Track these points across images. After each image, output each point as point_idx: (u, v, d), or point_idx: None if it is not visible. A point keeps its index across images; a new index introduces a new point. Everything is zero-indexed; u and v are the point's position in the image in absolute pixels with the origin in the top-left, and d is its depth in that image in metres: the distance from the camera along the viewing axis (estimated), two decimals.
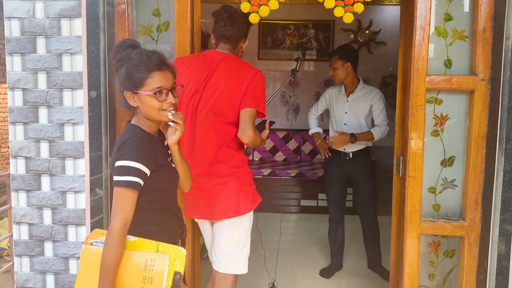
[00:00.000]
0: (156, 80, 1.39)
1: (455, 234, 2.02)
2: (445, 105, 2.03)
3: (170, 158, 1.54)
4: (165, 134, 1.54)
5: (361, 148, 3.09)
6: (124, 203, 1.34)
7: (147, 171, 1.38)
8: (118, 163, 1.36)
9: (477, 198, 1.98)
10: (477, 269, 1.98)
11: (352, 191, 3.33)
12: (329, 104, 3.20)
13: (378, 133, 3.01)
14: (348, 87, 3.11)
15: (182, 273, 1.37)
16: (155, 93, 1.38)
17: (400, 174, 2.11)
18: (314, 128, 3.28)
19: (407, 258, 2.01)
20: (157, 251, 1.36)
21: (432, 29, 1.99)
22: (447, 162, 2.06)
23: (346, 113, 3.10)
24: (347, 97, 3.10)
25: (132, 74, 1.39)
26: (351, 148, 3.08)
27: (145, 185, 1.38)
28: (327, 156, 3.18)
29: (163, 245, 1.38)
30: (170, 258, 1.35)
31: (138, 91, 1.40)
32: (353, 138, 2.98)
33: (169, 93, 1.41)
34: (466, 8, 1.99)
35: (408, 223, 2.00)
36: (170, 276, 1.34)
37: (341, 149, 3.10)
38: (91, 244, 1.40)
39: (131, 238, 1.37)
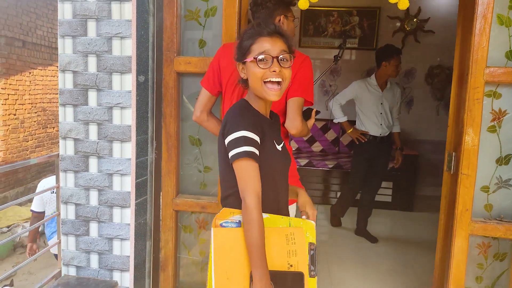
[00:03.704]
0: (261, 45, 1.30)
1: (508, 237, 1.92)
2: (503, 100, 1.91)
3: (281, 145, 1.45)
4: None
5: (388, 133, 3.66)
6: (248, 175, 1.26)
7: (257, 138, 1.29)
8: (230, 137, 1.29)
9: None
10: None
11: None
12: (359, 96, 3.61)
13: (399, 128, 3.76)
14: (382, 83, 3.57)
15: (315, 243, 1.38)
16: (255, 58, 1.30)
17: (452, 171, 2.01)
18: (343, 117, 3.69)
19: (455, 258, 1.93)
20: (289, 226, 1.37)
21: (494, 17, 1.86)
22: (503, 160, 1.94)
23: (382, 104, 3.57)
24: (382, 91, 3.57)
25: (242, 43, 1.35)
26: (385, 133, 3.63)
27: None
28: (363, 141, 3.63)
29: (293, 219, 1.38)
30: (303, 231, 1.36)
31: (245, 60, 1.35)
32: (402, 149, 3.80)
33: (275, 60, 1.30)
34: None
35: (458, 222, 1.91)
36: (306, 248, 1.36)
37: (377, 134, 3.61)
38: (221, 225, 1.35)
39: (264, 215, 1.33)
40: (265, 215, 1.33)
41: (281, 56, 1.31)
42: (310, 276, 1.36)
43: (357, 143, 3.69)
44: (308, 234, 1.37)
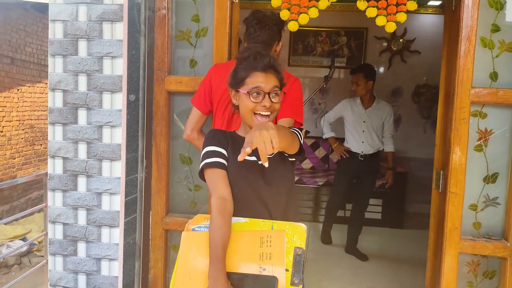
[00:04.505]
0: (255, 80, 1.38)
1: (497, 255, 1.93)
2: (489, 119, 1.95)
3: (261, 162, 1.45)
4: None
5: (374, 151, 3.67)
6: (212, 181, 1.39)
7: (222, 150, 1.42)
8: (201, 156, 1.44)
9: None
10: None
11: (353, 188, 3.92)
12: (344, 114, 3.74)
13: (392, 148, 3.72)
14: (366, 101, 3.65)
15: (304, 248, 1.31)
16: (248, 92, 1.38)
17: (440, 189, 2.03)
18: (330, 133, 3.85)
19: (445, 276, 1.93)
20: (271, 229, 1.33)
21: (477, 40, 1.92)
22: (490, 178, 1.97)
23: (364, 122, 3.65)
24: (365, 109, 3.64)
25: (237, 72, 1.42)
26: (368, 151, 3.65)
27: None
28: (344, 157, 3.73)
29: (277, 223, 1.36)
30: (288, 235, 1.31)
31: (239, 90, 1.41)
32: (393, 170, 3.81)
33: (266, 96, 1.38)
34: None
35: (447, 240, 1.92)
36: (290, 252, 1.29)
37: (359, 151, 3.66)
38: (193, 229, 1.37)
39: (241, 220, 1.35)
40: (243, 219, 1.36)
41: (273, 93, 1.39)
42: (291, 284, 1.25)
43: (339, 158, 3.83)
44: (295, 237, 1.31)
